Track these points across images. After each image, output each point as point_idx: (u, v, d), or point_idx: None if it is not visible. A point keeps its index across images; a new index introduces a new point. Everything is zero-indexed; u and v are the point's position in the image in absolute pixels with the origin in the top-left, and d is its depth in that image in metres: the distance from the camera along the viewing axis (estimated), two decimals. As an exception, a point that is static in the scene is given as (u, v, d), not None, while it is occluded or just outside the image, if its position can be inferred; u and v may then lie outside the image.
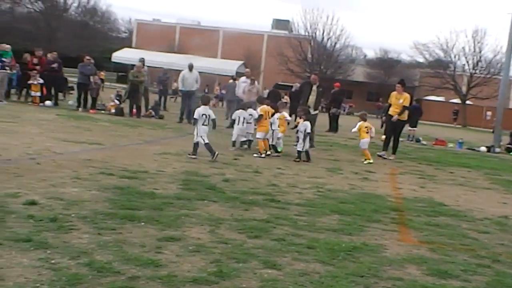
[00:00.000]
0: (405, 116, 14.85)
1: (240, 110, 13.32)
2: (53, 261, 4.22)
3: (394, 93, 14.88)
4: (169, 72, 28.57)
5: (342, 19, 76.16)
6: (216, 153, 10.80)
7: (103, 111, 19.82)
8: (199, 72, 21.50)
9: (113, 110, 19.74)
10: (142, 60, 20.94)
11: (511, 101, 56.36)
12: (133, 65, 22.85)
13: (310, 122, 12.87)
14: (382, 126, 15.57)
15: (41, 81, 19.83)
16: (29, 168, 7.80)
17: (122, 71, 54.87)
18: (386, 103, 15.60)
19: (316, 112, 15.26)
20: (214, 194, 7.41)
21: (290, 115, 16.91)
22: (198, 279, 4.17)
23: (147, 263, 4.38)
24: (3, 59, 18.87)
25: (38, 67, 20.12)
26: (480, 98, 56.36)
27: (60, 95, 22.76)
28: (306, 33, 60.79)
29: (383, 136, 15.74)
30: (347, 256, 5.15)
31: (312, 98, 15.07)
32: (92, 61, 20.60)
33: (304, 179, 9.68)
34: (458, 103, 59.69)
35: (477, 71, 60.17)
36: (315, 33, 60.81)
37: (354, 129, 13.96)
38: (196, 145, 10.93)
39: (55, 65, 20.60)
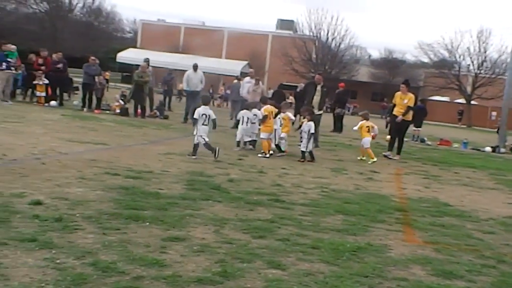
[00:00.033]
0: (409, 117, 14.83)
1: (245, 110, 13.32)
2: (58, 261, 4.23)
3: (398, 93, 14.85)
4: (174, 72, 28.60)
5: (347, 19, 76.40)
6: (217, 148, 10.83)
7: (108, 111, 19.87)
8: (204, 72, 21.51)
9: (118, 110, 19.78)
10: (147, 60, 20.98)
11: (516, 101, 56.16)
12: (137, 65, 22.89)
13: (314, 123, 12.87)
14: (387, 126, 15.54)
15: (46, 81, 19.89)
16: (34, 168, 7.82)
17: (127, 71, 54.95)
18: (390, 103, 15.57)
19: (321, 112, 15.26)
20: (219, 194, 7.42)
21: (295, 115, 16.93)
22: (203, 279, 4.17)
23: (152, 263, 4.39)
24: (9, 59, 18.93)
25: (43, 68, 20.18)
26: (485, 98, 56.23)
27: (65, 95, 22.82)
28: (311, 33, 60.80)
29: (388, 136, 15.73)
30: (351, 256, 5.15)
31: (316, 98, 15.07)
32: (97, 61, 20.67)
33: (308, 179, 9.67)
34: (463, 103, 59.55)
35: (482, 71, 60.06)
36: (320, 33, 60.85)
37: (355, 128, 14.00)
38: (197, 145, 10.94)
39: (60, 66, 20.67)
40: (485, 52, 59.89)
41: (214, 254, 4.80)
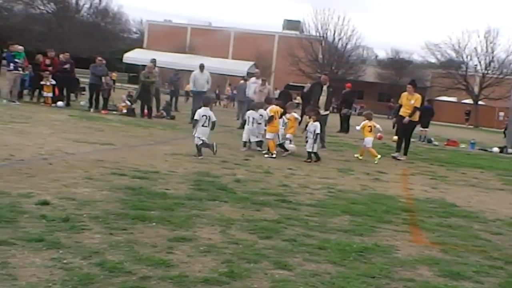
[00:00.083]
0: (416, 117, 14.78)
1: (251, 111, 13.32)
2: (65, 261, 4.24)
3: (405, 93, 14.81)
4: (180, 73, 28.63)
5: (354, 19, 76.32)
6: (213, 143, 10.90)
7: (114, 112, 19.91)
8: (210, 73, 21.53)
9: (124, 111, 19.83)
10: (153, 61, 21.02)
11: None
12: (144, 66, 22.93)
13: (320, 123, 12.86)
14: (393, 126, 15.51)
15: (53, 82, 19.96)
16: (41, 169, 7.84)
17: (134, 71, 55.04)
18: (397, 103, 15.53)
19: (327, 112, 15.24)
20: (225, 194, 7.42)
21: (302, 116, 16.90)
22: (209, 280, 4.17)
23: (159, 263, 4.39)
24: (16, 60, 19.02)
25: (50, 68, 20.25)
26: (492, 99, 56.09)
27: (72, 95, 22.90)
28: (317, 34, 60.77)
29: (395, 137, 15.70)
30: (358, 257, 5.13)
31: (322, 99, 15.05)
32: (104, 62, 20.73)
33: (315, 180, 9.66)
34: (470, 103, 59.39)
35: (490, 72, 59.89)
36: (326, 34, 60.84)
37: (358, 128, 14.02)
38: (209, 147, 10.98)
39: (67, 66, 20.73)
40: (492, 52, 59.78)
41: (220, 255, 4.80)
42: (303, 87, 28.43)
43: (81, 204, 6.02)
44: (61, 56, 21.61)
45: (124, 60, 48.50)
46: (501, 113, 55.09)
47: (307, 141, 12.42)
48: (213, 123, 11.30)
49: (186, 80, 28.17)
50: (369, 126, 13.67)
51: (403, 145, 14.89)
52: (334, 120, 20.97)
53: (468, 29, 69.26)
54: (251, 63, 48.83)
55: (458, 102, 61.17)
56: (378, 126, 14.00)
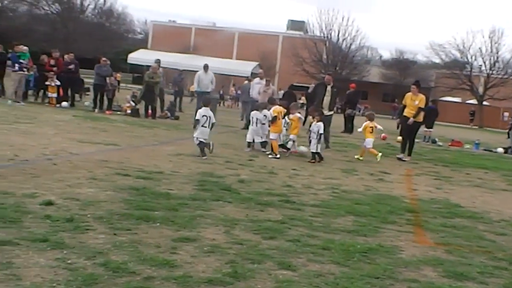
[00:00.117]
0: (420, 118, 14.74)
1: (255, 111, 13.32)
2: (69, 261, 4.25)
3: (409, 94, 14.77)
4: (184, 73, 28.66)
5: (358, 20, 76.06)
6: (210, 142, 10.94)
7: (119, 112, 19.94)
8: (214, 73, 21.53)
9: (128, 111, 19.84)
10: (157, 61, 21.04)
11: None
12: (148, 66, 22.97)
13: (324, 123, 12.85)
14: (398, 127, 15.48)
15: (58, 82, 19.99)
16: (46, 169, 7.86)
17: (138, 72, 55.11)
18: (401, 104, 15.50)
19: (331, 113, 15.22)
20: (229, 195, 7.42)
21: (307, 116, 16.88)
22: (213, 280, 4.17)
23: (162, 264, 4.40)
24: (21, 60, 19.06)
25: (55, 69, 20.28)
26: (497, 99, 55.96)
27: (77, 96, 22.92)
28: (322, 34, 60.75)
29: (399, 137, 15.67)
30: (362, 257, 5.13)
31: (326, 99, 15.03)
32: (108, 62, 20.75)
33: (319, 180, 9.66)
34: (475, 104, 59.24)
35: (494, 72, 59.72)
36: (331, 34, 60.79)
37: (360, 129, 14.02)
38: (206, 145, 10.97)
39: (72, 67, 20.77)
40: (497, 52, 59.59)
41: (224, 255, 4.80)
42: (307, 87, 28.36)
43: (85, 204, 6.03)
44: (65, 56, 21.64)
45: (129, 61, 48.57)
46: (506, 114, 54.99)
47: (310, 141, 12.42)
48: (212, 124, 11.32)
49: (191, 80, 28.18)
50: (370, 127, 13.68)
51: (407, 145, 14.87)
52: (338, 120, 20.96)
53: (472, 29, 68.82)
54: (255, 63, 48.84)
55: (462, 103, 61.03)
56: (379, 126, 14.01)
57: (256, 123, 12.95)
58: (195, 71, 21.80)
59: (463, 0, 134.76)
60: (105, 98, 20.17)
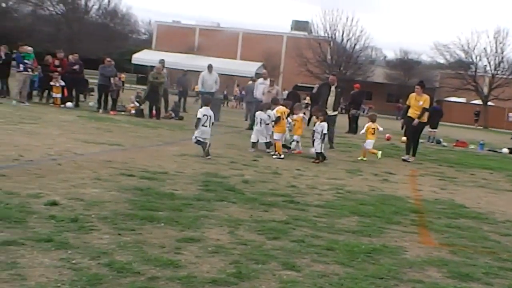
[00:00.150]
0: (425, 118, 14.70)
1: (259, 112, 13.32)
2: (74, 261, 4.25)
3: (413, 94, 14.72)
4: (189, 73, 28.69)
5: (362, 20, 76.23)
6: (207, 142, 10.92)
7: (123, 113, 19.96)
8: (218, 74, 21.54)
9: (133, 112, 19.87)
10: (162, 62, 21.06)
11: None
12: (153, 67, 23.00)
13: (329, 123, 12.85)
14: (402, 127, 15.46)
15: (63, 83, 20.02)
16: (50, 169, 7.87)
17: (142, 72, 55.21)
18: (405, 104, 15.46)
19: (335, 113, 15.21)
20: (234, 195, 7.42)
21: (311, 117, 16.89)
22: (217, 280, 4.17)
23: (167, 264, 4.40)
24: (26, 61, 19.12)
25: (59, 69, 20.32)
26: (502, 99, 55.80)
27: (81, 96, 22.98)
28: (326, 34, 60.73)
29: (404, 138, 15.64)
30: (366, 258, 5.12)
31: (331, 99, 15.03)
32: (113, 62, 20.78)
33: (323, 181, 9.65)
34: (480, 104, 59.11)
35: (499, 72, 59.54)
36: (335, 34, 60.81)
37: (363, 131, 14.01)
38: (204, 145, 10.97)
39: (76, 67, 20.81)
40: (502, 52, 59.40)
41: (228, 255, 4.80)
42: (311, 87, 28.37)
43: (90, 204, 6.04)
44: (70, 57, 21.69)
45: (133, 61, 48.74)
46: (511, 114, 54.84)
47: (313, 142, 12.42)
48: (212, 124, 11.36)
49: (195, 81, 28.21)
50: (372, 128, 13.67)
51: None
52: (342, 121, 20.94)
53: (477, 30, 69.09)
54: (260, 63, 48.93)
55: (467, 103, 60.91)
56: (380, 128, 14.01)
57: (261, 123, 12.95)
58: (199, 72, 21.83)
59: (467, 0, 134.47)
60: (109, 98, 20.20)
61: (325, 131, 12.33)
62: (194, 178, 8.39)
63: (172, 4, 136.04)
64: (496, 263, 5.44)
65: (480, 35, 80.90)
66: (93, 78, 28.13)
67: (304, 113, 14.21)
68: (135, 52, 51.40)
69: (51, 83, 20.05)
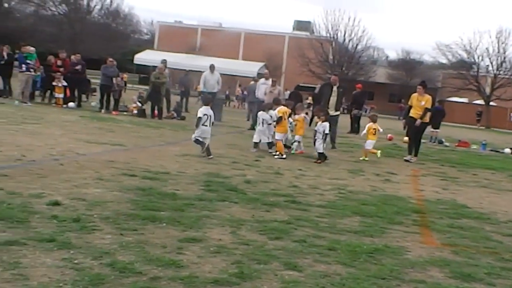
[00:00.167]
0: (427, 118, 14.69)
1: (261, 112, 13.32)
2: (76, 261, 4.26)
3: (415, 94, 14.70)
4: (191, 74, 28.71)
5: (364, 20, 76.16)
6: (206, 143, 10.92)
7: (125, 113, 19.98)
8: (220, 74, 21.55)
9: (135, 112, 19.88)
10: (164, 62, 21.07)
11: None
12: (155, 67, 23.03)
13: (331, 123, 12.84)
14: (404, 128, 15.44)
15: (65, 83, 20.04)
16: (53, 169, 7.88)
17: (144, 72, 55.23)
18: (407, 104, 15.45)
19: (338, 113, 15.20)
20: (235, 195, 7.42)
21: (313, 117, 16.88)
22: (219, 280, 4.18)
23: (169, 264, 4.40)
24: (28, 61, 19.13)
25: (62, 69, 20.35)
26: (504, 100, 55.71)
27: (83, 96, 22.99)
28: (328, 35, 60.71)
29: (406, 138, 15.61)
30: (368, 258, 5.12)
31: (333, 100, 15.02)
32: (115, 63, 20.79)
33: (325, 181, 9.65)
34: (482, 104, 59.02)
35: (501, 72, 59.45)
36: (337, 35, 60.76)
37: (364, 132, 14.01)
38: (204, 145, 10.97)
39: (78, 67, 20.83)
40: (504, 52, 59.30)
41: (230, 255, 4.80)
42: (313, 88, 28.38)
43: (92, 204, 6.05)
44: (72, 57, 21.72)
45: (135, 61, 48.70)
46: (513, 114, 54.77)
47: (315, 142, 12.41)
48: (212, 124, 11.37)
49: (197, 81, 28.22)
50: (373, 129, 13.68)
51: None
52: (344, 121, 20.94)
53: (479, 30, 68.70)
54: (261, 64, 48.87)
55: (469, 103, 60.83)
56: (380, 129, 14.03)
57: (263, 123, 12.95)
58: (201, 72, 21.83)
59: (470, 1, 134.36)
60: (111, 98, 20.21)
61: (326, 131, 12.33)
62: (196, 178, 8.40)
63: (174, 4, 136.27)
64: (498, 263, 5.43)
65: (482, 35, 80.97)
66: (95, 78, 28.19)
67: (307, 113, 14.20)
68: (137, 52, 51.33)
69: (53, 83, 20.08)
